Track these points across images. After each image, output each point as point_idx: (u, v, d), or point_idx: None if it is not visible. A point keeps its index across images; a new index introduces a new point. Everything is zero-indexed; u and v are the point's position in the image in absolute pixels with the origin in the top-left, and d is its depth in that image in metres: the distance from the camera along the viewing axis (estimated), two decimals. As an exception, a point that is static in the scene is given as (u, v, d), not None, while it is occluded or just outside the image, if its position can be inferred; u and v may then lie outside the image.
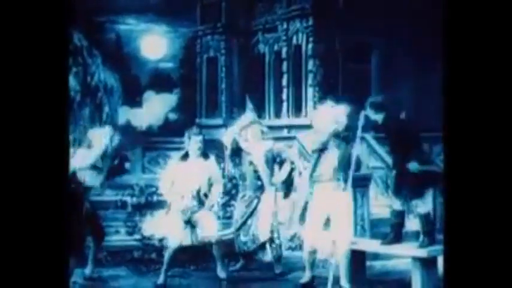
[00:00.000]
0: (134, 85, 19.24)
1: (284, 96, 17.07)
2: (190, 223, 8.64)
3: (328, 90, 16.14)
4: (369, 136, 13.97)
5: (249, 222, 9.28)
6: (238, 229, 9.29)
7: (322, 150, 8.17)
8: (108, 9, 19.25)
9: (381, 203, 10.59)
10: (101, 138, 8.66)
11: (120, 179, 11.65)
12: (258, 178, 9.32)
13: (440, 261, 7.09)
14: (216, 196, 9.00)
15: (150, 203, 11.46)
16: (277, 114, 17.40)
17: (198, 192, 8.73)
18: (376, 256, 9.22)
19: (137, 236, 9.95)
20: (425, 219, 7.81)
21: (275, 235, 9.27)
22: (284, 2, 17.13)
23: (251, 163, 9.32)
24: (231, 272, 9.18)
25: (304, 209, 8.17)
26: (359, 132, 8.06)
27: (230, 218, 9.94)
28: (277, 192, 9.35)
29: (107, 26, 19.78)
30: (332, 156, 8.14)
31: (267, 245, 9.28)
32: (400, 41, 16.17)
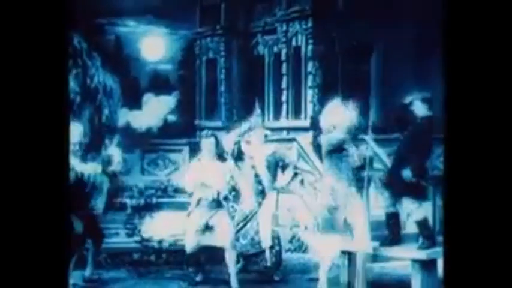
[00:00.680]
0: (134, 87, 19.24)
1: (283, 98, 17.06)
2: (208, 226, 8.65)
3: (327, 92, 16.14)
4: (368, 138, 13.97)
5: (248, 225, 9.27)
6: (238, 231, 9.28)
7: (337, 150, 7.97)
8: (108, 11, 19.25)
9: (381, 205, 10.56)
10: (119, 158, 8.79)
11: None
12: (259, 183, 9.29)
13: (440, 263, 7.08)
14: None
15: (150, 205, 11.46)
16: (277, 116, 17.39)
17: (218, 195, 8.73)
18: (376, 258, 9.21)
19: (136, 238, 9.94)
20: (421, 225, 7.80)
21: (275, 241, 9.24)
22: (283, 3, 17.12)
23: (253, 167, 9.30)
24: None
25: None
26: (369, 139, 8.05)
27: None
28: (279, 195, 9.31)
29: (106, 28, 19.78)
30: (350, 158, 8.00)
31: (267, 251, 9.25)
32: (399, 42, 16.16)
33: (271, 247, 9.21)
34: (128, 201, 11.43)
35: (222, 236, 8.59)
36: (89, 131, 13.54)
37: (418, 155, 7.70)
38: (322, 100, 16.09)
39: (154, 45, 20.28)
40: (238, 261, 9.45)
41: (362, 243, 7.84)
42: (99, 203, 8.74)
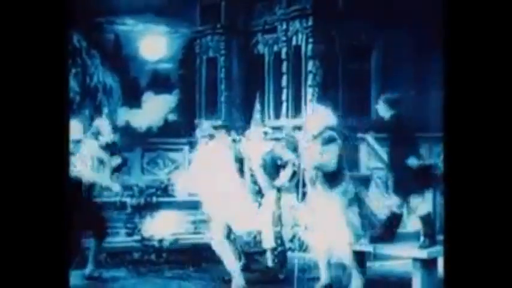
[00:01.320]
0: (134, 86, 19.24)
1: (284, 97, 17.05)
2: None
3: (328, 91, 16.14)
4: (369, 136, 13.98)
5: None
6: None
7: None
8: (107, 10, 19.25)
9: (381, 204, 10.56)
10: (109, 128, 8.68)
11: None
12: (255, 182, 9.25)
13: (440, 262, 7.08)
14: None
15: (150, 204, 11.46)
16: (277, 114, 17.38)
17: None
18: (376, 257, 9.21)
19: (137, 237, 9.94)
20: (425, 220, 7.80)
21: (278, 241, 9.21)
22: (284, 2, 17.11)
23: (250, 168, 9.28)
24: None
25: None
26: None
27: None
28: (280, 194, 9.27)
29: (106, 26, 19.79)
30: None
31: (268, 251, 9.22)
32: (400, 41, 16.15)
33: (274, 248, 9.19)
34: (128, 200, 11.42)
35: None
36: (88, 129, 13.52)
37: (409, 145, 7.76)
38: (322, 99, 16.09)
39: (154, 44, 20.27)
40: (240, 259, 9.45)
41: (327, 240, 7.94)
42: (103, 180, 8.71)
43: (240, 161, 9.30)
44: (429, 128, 12.01)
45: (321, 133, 8.12)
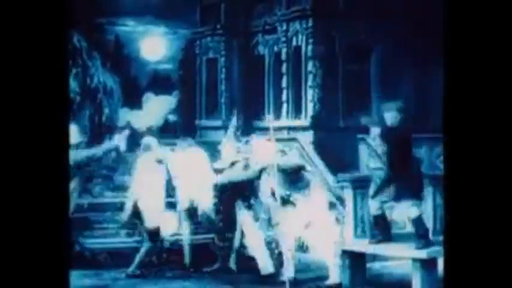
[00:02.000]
0: (134, 87, 19.25)
1: (284, 98, 17.05)
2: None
3: (328, 92, 16.15)
4: (369, 137, 13.97)
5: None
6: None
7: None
8: (108, 11, 19.27)
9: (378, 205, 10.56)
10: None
11: (120, 180, 11.65)
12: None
13: (440, 262, 7.10)
14: None
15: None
16: (277, 115, 17.39)
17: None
18: (376, 257, 9.22)
19: (137, 238, 9.94)
20: (416, 222, 7.85)
21: (274, 245, 9.21)
22: (284, 3, 17.11)
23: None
24: (206, 272, 9.18)
25: None
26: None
27: None
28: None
29: (106, 27, 19.80)
30: None
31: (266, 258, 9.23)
32: (400, 42, 16.16)
33: (271, 253, 9.21)
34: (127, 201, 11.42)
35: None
36: (89, 130, 13.56)
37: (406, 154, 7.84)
38: (322, 100, 16.11)
39: (155, 45, 20.29)
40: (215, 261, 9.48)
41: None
42: None
43: None
44: (429, 128, 12.02)
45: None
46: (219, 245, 9.46)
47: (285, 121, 16.61)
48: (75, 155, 8.17)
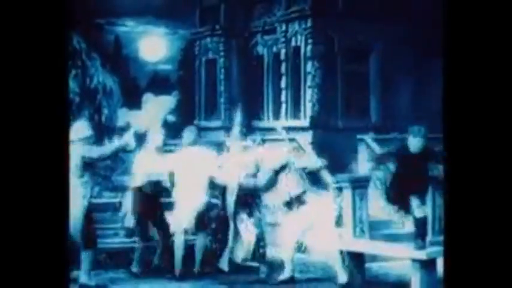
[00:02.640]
0: (133, 87, 19.24)
1: (283, 98, 17.07)
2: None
3: (327, 92, 16.16)
4: (368, 138, 13.99)
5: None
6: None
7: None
8: (107, 11, 19.27)
9: (380, 205, 10.59)
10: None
11: (118, 180, 11.64)
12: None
13: (439, 262, 7.10)
14: None
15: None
16: (276, 115, 17.40)
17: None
18: (375, 258, 9.23)
19: (136, 238, 9.91)
20: (420, 222, 7.84)
21: (261, 243, 9.17)
22: (283, 3, 17.13)
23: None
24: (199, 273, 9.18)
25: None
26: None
27: None
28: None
29: (105, 28, 19.80)
30: None
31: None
32: (399, 42, 16.17)
33: (262, 258, 9.22)
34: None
35: None
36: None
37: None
38: (321, 100, 16.12)
39: (154, 45, 20.29)
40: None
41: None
42: None
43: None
44: (429, 129, 12.02)
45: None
46: (209, 246, 9.44)
47: (284, 121, 16.62)
48: (88, 152, 8.32)
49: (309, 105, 16.17)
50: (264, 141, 9.70)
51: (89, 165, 8.43)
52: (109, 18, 19.95)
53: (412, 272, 7.77)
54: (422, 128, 7.82)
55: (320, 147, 14.88)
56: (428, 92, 15.31)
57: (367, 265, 8.69)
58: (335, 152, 14.19)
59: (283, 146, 9.35)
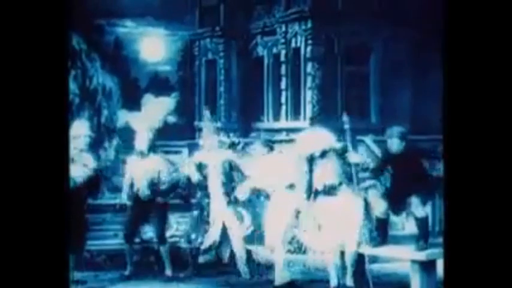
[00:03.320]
0: (133, 88, 19.24)
1: (283, 99, 17.07)
2: None
3: (327, 93, 16.16)
4: (368, 139, 13.97)
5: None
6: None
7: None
8: (107, 12, 19.27)
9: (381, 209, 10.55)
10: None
11: (117, 181, 11.63)
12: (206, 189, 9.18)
13: (439, 264, 7.09)
14: None
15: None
16: (276, 117, 17.40)
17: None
18: (375, 259, 9.21)
19: (136, 240, 9.91)
20: (421, 222, 7.83)
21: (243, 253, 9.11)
22: (283, 5, 17.13)
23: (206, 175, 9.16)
24: (182, 278, 9.13)
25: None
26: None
27: None
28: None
29: (105, 29, 19.80)
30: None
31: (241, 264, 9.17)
32: (399, 43, 16.17)
33: (248, 259, 9.17)
34: (127, 202, 11.41)
35: None
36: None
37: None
38: (321, 101, 16.11)
39: (154, 46, 20.30)
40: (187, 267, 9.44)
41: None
42: None
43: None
44: (429, 130, 12.01)
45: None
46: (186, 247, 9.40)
47: (284, 122, 16.62)
48: None
49: (309, 106, 16.17)
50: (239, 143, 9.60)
51: None
52: (109, 19, 19.96)
53: (412, 274, 7.76)
54: (397, 128, 7.90)
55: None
56: (428, 93, 15.31)
57: (367, 267, 8.68)
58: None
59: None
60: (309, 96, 16.16)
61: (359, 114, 16.51)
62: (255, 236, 9.18)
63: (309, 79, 16.18)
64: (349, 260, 8.13)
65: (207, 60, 19.42)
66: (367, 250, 8.26)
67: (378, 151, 13.05)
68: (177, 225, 10.65)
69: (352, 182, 8.38)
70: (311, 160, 8.58)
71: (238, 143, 9.46)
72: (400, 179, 7.82)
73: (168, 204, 9.43)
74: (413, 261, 7.72)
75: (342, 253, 8.24)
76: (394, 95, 16.32)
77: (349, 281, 8.17)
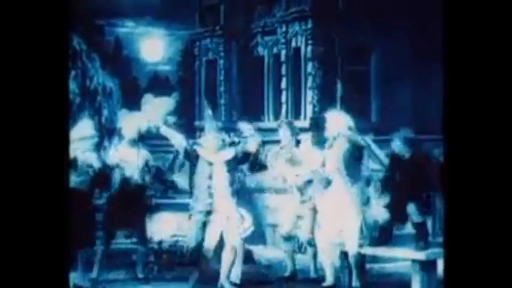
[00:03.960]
0: (133, 88, 19.25)
1: (283, 99, 17.05)
2: None
3: (327, 93, 16.14)
4: (368, 139, 13.96)
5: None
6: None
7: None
8: (107, 12, 19.28)
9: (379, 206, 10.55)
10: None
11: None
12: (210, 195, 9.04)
13: (439, 264, 7.10)
14: None
15: (149, 206, 11.42)
16: (276, 117, 17.37)
17: None
18: (375, 259, 9.21)
19: (135, 239, 9.91)
20: (419, 227, 7.85)
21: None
22: (283, 4, 17.12)
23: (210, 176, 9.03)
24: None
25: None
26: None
27: None
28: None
29: (105, 29, 19.82)
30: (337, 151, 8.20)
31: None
32: (399, 42, 16.16)
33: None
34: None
35: None
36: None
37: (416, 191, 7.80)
38: (321, 101, 16.10)
39: (154, 46, 20.32)
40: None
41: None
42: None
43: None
44: (429, 130, 12.01)
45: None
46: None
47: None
48: None
49: (309, 106, 16.16)
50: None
51: None
52: (109, 19, 19.98)
53: (412, 273, 7.77)
54: (404, 132, 7.89)
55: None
56: (429, 93, 15.30)
57: (368, 266, 8.69)
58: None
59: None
60: (309, 96, 16.15)
61: (359, 114, 16.49)
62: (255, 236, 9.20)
63: (310, 79, 16.16)
64: (353, 261, 8.10)
65: (207, 60, 19.40)
66: (367, 250, 8.27)
67: (378, 151, 13.05)
68: (178, 225, 10.67)
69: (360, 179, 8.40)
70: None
71: (239, 142, 9.43)
72: (404, 187, 7.83)
73: (153, 201, 9.46)
74: (414, 261, 7.73)
75: (342, 253, 8.22)
76: (395, 94, 16.30)
77: (354, 281, 8.16)
